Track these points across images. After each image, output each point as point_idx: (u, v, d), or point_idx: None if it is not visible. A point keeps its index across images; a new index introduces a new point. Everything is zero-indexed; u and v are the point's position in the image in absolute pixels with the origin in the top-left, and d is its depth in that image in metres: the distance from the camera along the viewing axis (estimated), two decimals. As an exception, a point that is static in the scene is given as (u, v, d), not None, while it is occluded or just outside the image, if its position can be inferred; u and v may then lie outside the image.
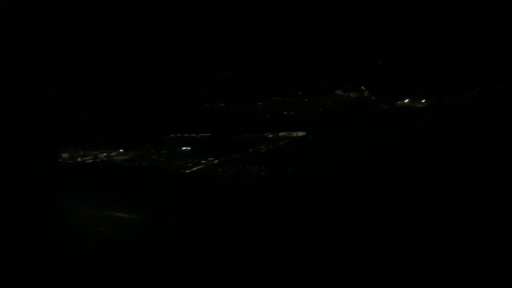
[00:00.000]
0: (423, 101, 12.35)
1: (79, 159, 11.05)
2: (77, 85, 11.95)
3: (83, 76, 11.76)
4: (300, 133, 12.19)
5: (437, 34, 12.22)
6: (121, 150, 11.66)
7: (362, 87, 13.75)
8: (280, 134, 12.32)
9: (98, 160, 11.15)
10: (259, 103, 13.89)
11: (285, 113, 13.36)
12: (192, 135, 12.60)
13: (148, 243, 8.80)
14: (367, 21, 13.04)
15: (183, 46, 13.04)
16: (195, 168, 11.19)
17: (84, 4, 10.14)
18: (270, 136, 12.24)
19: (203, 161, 11.47)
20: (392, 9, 12.85)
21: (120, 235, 8.75)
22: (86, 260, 7.35)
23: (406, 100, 12.41)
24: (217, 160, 11.52)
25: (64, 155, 11.22)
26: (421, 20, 12.52)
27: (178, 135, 12.55)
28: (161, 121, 12.41)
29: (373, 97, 13.41)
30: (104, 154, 11.51)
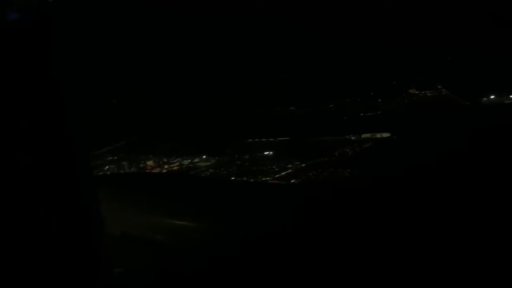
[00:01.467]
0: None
1: (166, 166, 10.71)
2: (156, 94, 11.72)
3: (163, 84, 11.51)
4: (385, 134, 11.80)
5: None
6: (204, 157, 11.33)
7: (438, 85, 13.39)
8: (363, 135, 11.93)
9: (183, 167, 10.80)
10: (330, 105, 13.57)
11: (362, 114, 13.01)
12: (270, 139, 12.25)
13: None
14: (438, 17, 12.72)
15: (257, 52, 12.80)
16: (283, 173, 10.82)
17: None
18: (353, 138, 11.86)
19: (290, 165, 11.10)
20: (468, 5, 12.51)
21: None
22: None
23: (492, 97, 12.02)
24: (304, 164, 11.14)
25: (148, 162, 10.91)
26: (503, 12, 12.16)
27: (256, 140, 12.21)
28: (240, 126, 12.12)
29: (452, 95, 13.05)
30: (188, 160, 11.16)
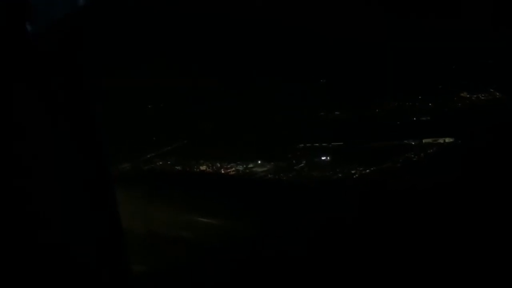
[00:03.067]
0: None
1: (221, 172, 9.86)
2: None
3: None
4: (448, 139, 11.10)
5: None
6: (259, 162, 10.48)
7: (490, 89, 12.80)
8: (424, 141, 11.22)
9: (240, 172, 9.97)
10: (377, 109, 12.87)
11: (414, 118, 12.32)
12: (323, 144, 11.46)
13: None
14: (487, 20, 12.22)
15: (303, 57, 12.23)
16: (349, 179, 10.04)
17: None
18: (412, 143, 11.14)
19: (353, 171, 10.32)
20: None
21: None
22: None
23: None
24: (368, 170, 10.37)
25: (202, 167, 10.05)
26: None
27: (308, 144, 11.40)
28: (293, 130, 11.35)
29: (507, 98, 12.46)
30: (243, 166, 10.30)
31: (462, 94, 12.92)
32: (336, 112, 12.64)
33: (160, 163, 10.30)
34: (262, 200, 9.24)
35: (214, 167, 10.13)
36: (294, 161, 10.58)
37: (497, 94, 12.70)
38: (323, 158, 10.93)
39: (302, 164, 10.65)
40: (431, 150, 11.02)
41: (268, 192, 9.67)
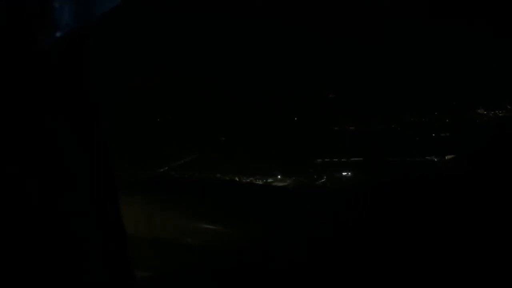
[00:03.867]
0: None
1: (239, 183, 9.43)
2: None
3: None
4: (466, 155, 10.75)
5: None
6: (279, 176, 10.05)
7: (508, 105, 12.57)
8: (447, 157, 10.88)
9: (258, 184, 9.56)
10: (392, 125, 12.56)
11: (433, 134, 12.02)
12: (342, 160, 11.08)
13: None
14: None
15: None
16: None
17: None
18: (435, 159, 10.80)
19: (374, 185, 9.91)
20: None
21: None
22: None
23: None
24: (389, 185, 9.97)
25: (218, 177, 9.61)
26: None
27: (326, 160, 11.00)
28: (309, 144, 10.97)
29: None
30: (262, 181, 9.86)
31: (479, 111, 12.69)
32: (351, 127, 12.31)
33: (176, 173, 9.85)
34: (277, 210, 8.95)
35: (231, 179, 9.69)
36: (315, 176, 10.16)
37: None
38: (343, 173, 10.53)
39: (324, 180, 10.24)
40: (452, 166, 10.66)
41: (286, 204, 9.35)
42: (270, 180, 10.03)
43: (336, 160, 10.98)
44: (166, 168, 9.88)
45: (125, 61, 9.70)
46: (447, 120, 12.41)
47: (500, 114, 12.44)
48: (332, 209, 9.32)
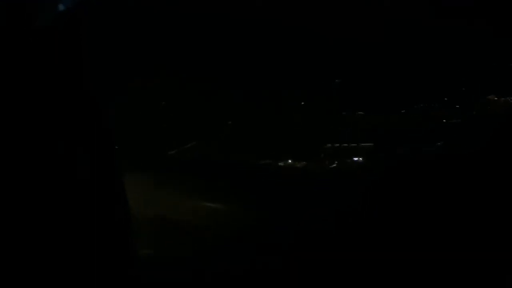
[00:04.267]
0: None
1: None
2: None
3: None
4: (477, 144, 10.66)
5: None
6: (290, 161, 9.96)
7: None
8: (454, 145, 10.81)
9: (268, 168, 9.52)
10: (402, 111, 12.42)
11: (444, 121, 11.89)
12: (352, 144, 10.96)
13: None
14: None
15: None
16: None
17: None
18: (443, 148, 10.72)
19: (386, 172, 9.87)
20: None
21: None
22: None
23: None
24: (401, 172, 9.92)
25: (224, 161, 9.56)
26: None
27: (336, 144, 10.89)
28: (320, 130, 10.87)
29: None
30: (273, 165, 9.79)
31: (490, 97, 12.56)
32: (360, 112, 12.18)
33: (184, 155, 9.78)
34: (286, 194, 8.94)
35: (238, 162, 9.64)
36: (327, 162, 10.07)
37: (527, 98, 12.34)
38: (354, 159, 10.44)
39: (335, 165, 10.15)
40: (462, 155, 10.58)
41: (296, 187, 9.34)
42: (280, 164, 9.96)
43: (346, 145, 10.89)
44: (176, 150, 9.79)
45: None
46: (457, 107, 12.32)
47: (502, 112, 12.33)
48: (342, 193, 9.30)
